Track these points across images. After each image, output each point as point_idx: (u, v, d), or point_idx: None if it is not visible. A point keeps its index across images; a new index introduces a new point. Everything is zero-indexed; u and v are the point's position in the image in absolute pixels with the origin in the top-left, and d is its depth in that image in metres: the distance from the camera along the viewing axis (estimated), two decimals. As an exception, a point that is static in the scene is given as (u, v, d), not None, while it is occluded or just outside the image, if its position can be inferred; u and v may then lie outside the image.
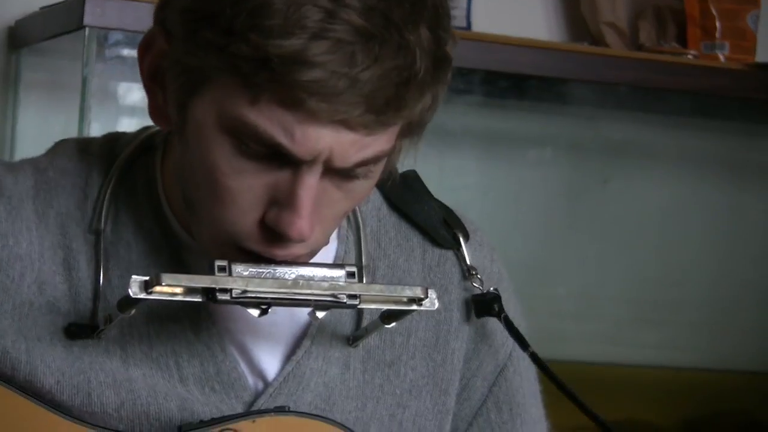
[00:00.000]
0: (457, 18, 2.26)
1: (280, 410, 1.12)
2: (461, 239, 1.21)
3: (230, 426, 1.09)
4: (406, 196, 1.24)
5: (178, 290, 1.02)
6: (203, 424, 1.08)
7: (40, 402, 1.11)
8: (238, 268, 1.03)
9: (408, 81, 0.95)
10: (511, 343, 1.21)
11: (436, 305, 1.07)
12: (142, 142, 1.15)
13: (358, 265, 1.16)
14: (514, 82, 2.41)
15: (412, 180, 1.22)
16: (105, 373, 1.10)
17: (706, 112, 2.66)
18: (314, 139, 0.97)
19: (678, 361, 2.57)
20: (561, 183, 2.64)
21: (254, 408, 1.13)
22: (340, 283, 1.05)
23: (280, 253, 1.03)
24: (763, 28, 2.48)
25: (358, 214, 1.21)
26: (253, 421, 1.10)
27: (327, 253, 1.16)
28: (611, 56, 2.36)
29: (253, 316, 1.08)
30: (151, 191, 1.15)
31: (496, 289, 1.18)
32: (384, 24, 0.94)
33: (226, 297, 0.99)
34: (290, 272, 1.04)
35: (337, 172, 1.01)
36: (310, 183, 0.99)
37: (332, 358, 1.17)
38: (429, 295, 1.06)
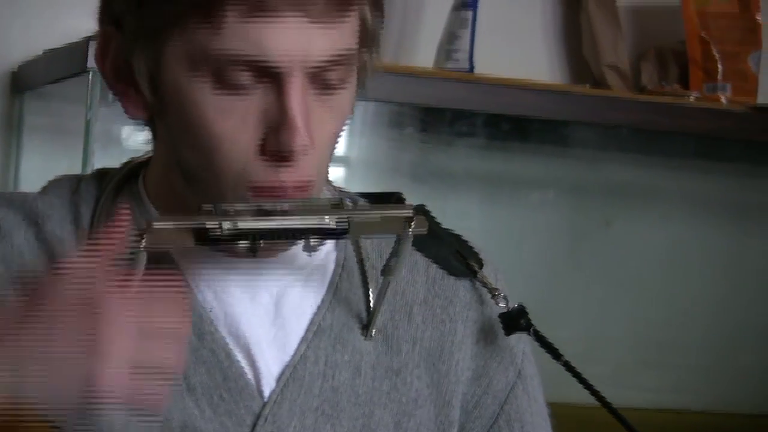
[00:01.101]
0: (460, 60, 2.27)
1: None
2: (475, 264, 1.21)
3: None
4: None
5: (172, 236, 1.03)
6: None
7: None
8: (226, 207, 1.05)
9: None
10: (520, 361, 1.22)
11: (425, 228, 1.08)
12: (128, 171, 1.17)
13: (358, 257, 1.18)
14: (516, 124, 2.41)
15: (397, 197, 1.22)
16: None
17: (708, 154, 2.66)
18: (283, 40, 1.01)
19: (680, 404, 2.56)
20: (563, 225, 2.63)
21: (259, 423, 1.12)
22: (329, 209, 1.07)
23: (289, 177, 1.05)
24: (765, 69, 2.47)
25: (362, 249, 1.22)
26: None
27: (325, 268, 1.17)
28: (613, 98, 2.36)
29: (257, 320, 1.12)
30: (141, 209, 1.16)
31: (521, 304, 1.18)
32: None
33: (217, 234, 1.01)
34: (278, 205, 1.06)
35: (316, 83, 1.04)
36: (296, 94, 1.02)
37: (341, 363, 1.17)
38: (415, 224, 1.07)
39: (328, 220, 1.03)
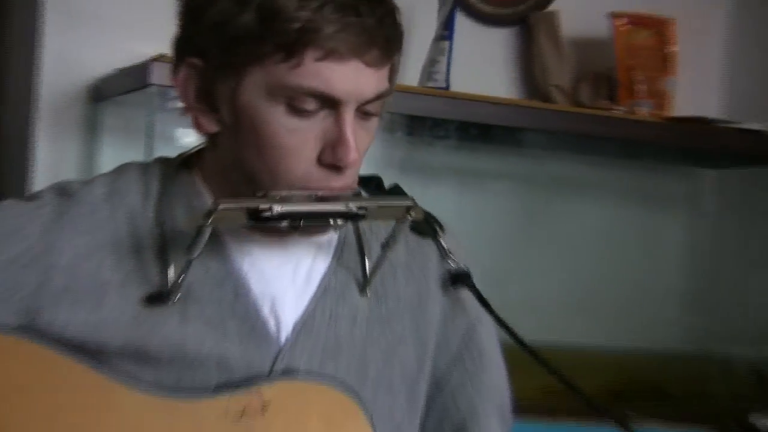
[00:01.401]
0: (439, 80, 2.52)
1: (291, 374, 1.24)
2: (438, 229, 1.34)
3: (254, 387, 1.23)
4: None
5: (231, 206, 1.12)
6: (233, 385, 1.22)
7: (98, 367, 1.23)
8: (274, 194, 1.16)
9: (394, 22, 1.15)
10: (477, 310, 1.35)
11: (422, 215, 1.22)
12: (183, 160, 1.29)
13: (357, 233, 1.30)
14: (482, 130, 2.61)
15: (397, 189, 1.39)
16: (162, 336, 1.21)
17: (631, 155, 2.93)
18: (346, 80, 1.13)
19: (604, 343, 2.85)
20: (517, 209, 2.92)
21: (277, 360, 1.24)
22: (351, 199, 1.17)
23: (336, 184, 1.18)
24: (678, 90, 2.74)
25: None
26: (271, 385, 1.21)
27: (330, 242, 1.29)
28: (557, 111, 2.60)
29: (279, 283, 1.24)
30: (195, 191, 1.26)
31: (467, 267, 1.32)
32: None
33: (268, 214, 1.12)
34: (314, 194, 1.17)
35: (361, 111, 1.16)
36: (350, 120, 1.15)
37: (342, 315, 1.29)
38: (413, 211, 1.20)
39: (352, 206, 1.15)
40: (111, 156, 2.45)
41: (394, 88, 1.23)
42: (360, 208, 1.18)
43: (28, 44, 2.55)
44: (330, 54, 1.12)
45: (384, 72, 1.18)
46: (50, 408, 1.29)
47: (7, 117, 2.59)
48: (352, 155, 1.15)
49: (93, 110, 2.54)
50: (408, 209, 1.20)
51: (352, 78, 1.15)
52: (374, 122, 1.21)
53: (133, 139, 2.39)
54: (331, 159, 1.16)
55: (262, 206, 1.14)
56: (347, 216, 1.18)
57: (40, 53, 2.51)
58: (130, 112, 2.45)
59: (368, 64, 1.14)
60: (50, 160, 2.50)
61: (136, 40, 2.37)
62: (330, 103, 1.14)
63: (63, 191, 1.28)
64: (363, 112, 1.18)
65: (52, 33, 2.48)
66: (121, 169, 1.33)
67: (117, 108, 2.48)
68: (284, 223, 1.16)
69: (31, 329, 1.24)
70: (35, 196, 1.31)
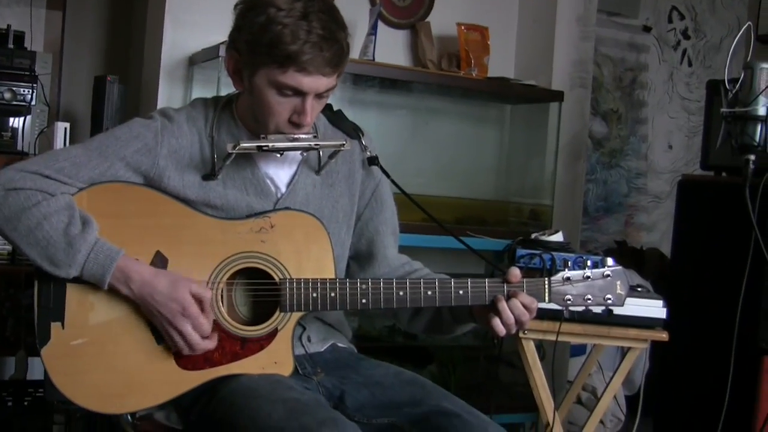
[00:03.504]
0: (368, 55, 3.43)
1: (287, 208, 1.75)
2: (360, 134, 1.85)
3: (266, 215, 1.74)
4: (336, 119, 1.91)
5: (246, 145, 1.61)
6: (255, 214, 1.72)
7: (184, 203, 1.75)
8: (271, 137, 1.64)
9: (342, 52, 1.60)
10: (380, 176, 1.86)
11: (349, 146, 1.71)
12: (227, 99, 1.75)
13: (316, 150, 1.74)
14: (391, 82, 3.49)
15: (341, 113, 1.88)
16: (215, 192, 1.73)
17: (466, 96, 3.79)
18: (311, 84, 1.59)
19: (449, 193, 3.64)
20: (407, 123, 3.82)
21: (277, 204, 1.73)
22: (313, 139, 1.66)
23: (298, 132, 1.65)
24: (490, 63, 3.67)
25: (318, 126, 1.80)
26: (275, 214, 1.72)
27: (301, 154, 1.76)
28: (430, 73, 3.52)
29: (277, 171, 1.75)
30: (233, 118, 1.72)
31: (376, 153, 1.84)
32: (331, 32, 1.58)
33: (266, 147, 1.61)
34: (289, 138, 1.63)
35: (318, 96, 1.61)
36: (310, 102, 1.61)
37: (309, 182, 1.77)
38: (346, 144, 1.71)
39: (311, 144, 1.67)
40: (197, 95, 2.89)
41: (339, 81, 1.65)
42: (317, 144, 1.67)
43: (157, 34, 3.43)
44: (303, 70, 1.58)
45: (334, 77, 1.62)
46: (156, 220, 1.76)
47: (146, 73, 3.62)
48: (308, 120, 1.63)
49: (189, 70, 3.35)
50: (341, 145, 1.69)
51: (314, 83, 1.60)
52: (325, 99, 1.65)
53: (207, 86, 3.21)
54: (296, 120, 1.65)
55: (262, 144, 1.60)
56: (307, 149, 1.71)
57: (161, 38, 3.38)
58: (207, 72, 3.23)
59: (324, 75, 1.60)
60: (166, 95, 3.34)
61: (212, 32, 3.10)
62: (300, 93, 1.59)
63: (165, 114, 1.75)
64: (318, 96, 1.64)
65: (168, 27, 3.34)
66: (194, 103, 1.77)
67: (201, 69, 3.26)
68: (277, 154, 1.68)
69: (150, 186, 1.73)
70: (150, 116, 1.76)
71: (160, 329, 1.67)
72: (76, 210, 1.65)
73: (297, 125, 1.66)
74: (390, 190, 1.91)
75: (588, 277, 1.80)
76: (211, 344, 1.67)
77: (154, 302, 1.63)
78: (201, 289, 1.65)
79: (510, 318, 1.74)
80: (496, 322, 1.72)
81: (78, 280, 1.64)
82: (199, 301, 1.65)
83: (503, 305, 1.73)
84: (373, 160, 1.84)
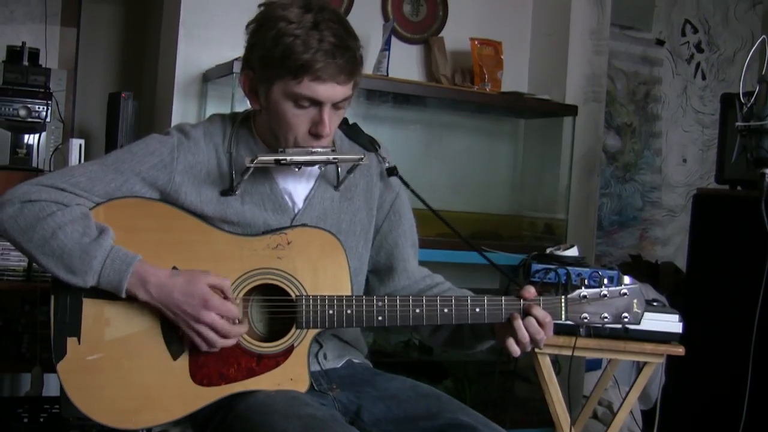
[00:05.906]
0: (382, 71, 3.41)
1: (304, 225, 1.72)
2: (377, 146, 1.80)
3: (282, 231, 1.71)
4: (353, 132, 1.87)
5: (264, 158, 1.56)
6: (272, 230, 1.69)
7: (201, 219, 1.73)
8: (288, 150, 1.60)
9: (356, 60, 1.59)
10: (399, 188, 1.81)
11: (367, 160, 1.64)
12: (245, 115, 1.72)
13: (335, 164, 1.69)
14: (404, 97, 3.48)
15: (356, 126, 1.84)
16: (233, 208, 1.71)
17: (480, 111, 3.78)
18: (326, 92, 1.56)
19: (466, 209, 3.62)
20: (422, 138, 3.80)
21: (294, 221, 1.69)
22: (331, 153, 1.61)
23: (318, 143, 1.61)
24: (503, 77, 3.68)
25: (335, 140, 1.75)
26: (292, 230, 1.70)
27: (319, 169, 1.70)
28: (443, 87, 3.51)
29: (296, 185, 1.70)
30: (251, 134, 1.69)
31: (395, 165, 1.79)
32: (342, 40, 1.56)
33: (285, 161, 1.57)
34: (307, 152, 1.58)
35: (334, 106, 1.58)
36: (327, 112, 1.57)
37: (326, 196, 1.72)
38: (364, 158, 1.65)
39: (329, 158, 1.62)
40: (211, 110, 3.01)
41: (356, 92, 1.61)
42: (335, 158, 1.60)
43: (171, 50, 3.46)
44: (317, 79, 1.55)
45: (349, 86, 1.59)
46: (172, 235, 1.73)
47: (160, 89, 3.62)
48: (327, 131, 1.58)
49: (203, 86, 3.36)
50: (359, 159, 1.62)
51: (329, 91, 1.56)
52: (342, 111, 1.62)
53: (222, 102, 3.22)
54: (315, 132, 1.60)
55: (280, 157, 1.55)
56: (325, 162, 1.64)
57: (175, 55, 3.41)
58: (221, 88, 3.24)
59: (339, 83, 1.56)
60: (180, 111, 3.36)
61: (225, 48, 3.15)
62: (316, 103, 1.56)
63: (182, 130, 1.71)
64: (335, 107, 1.59)
65: (182, 44, 3.39)
66: (212, 118, 1.74)
67: (215, 85, 3.27)
68: (294, 166, 1.61)
69: (166, 201, 1.70)
70: (167, 132, 1.74)
71: (185, 331, 1.65)
72: (91, 219, 1.65)
73: (316, 136, 1.64)
74: (409, 203, 1.90)
75: (605, 296, 1.78)
76: (243, 328, 1.67)
77: (174, 301, 1.62)
78: (218, 278, 1.63)
79: (525, 337, 1.72)
80: (511, 343, 1.70)
81: (95, 291, 1.63)
82: (220, 290, 1.64)
83: (519, 323, 1.71)
84: (392, 171, 1.82)
